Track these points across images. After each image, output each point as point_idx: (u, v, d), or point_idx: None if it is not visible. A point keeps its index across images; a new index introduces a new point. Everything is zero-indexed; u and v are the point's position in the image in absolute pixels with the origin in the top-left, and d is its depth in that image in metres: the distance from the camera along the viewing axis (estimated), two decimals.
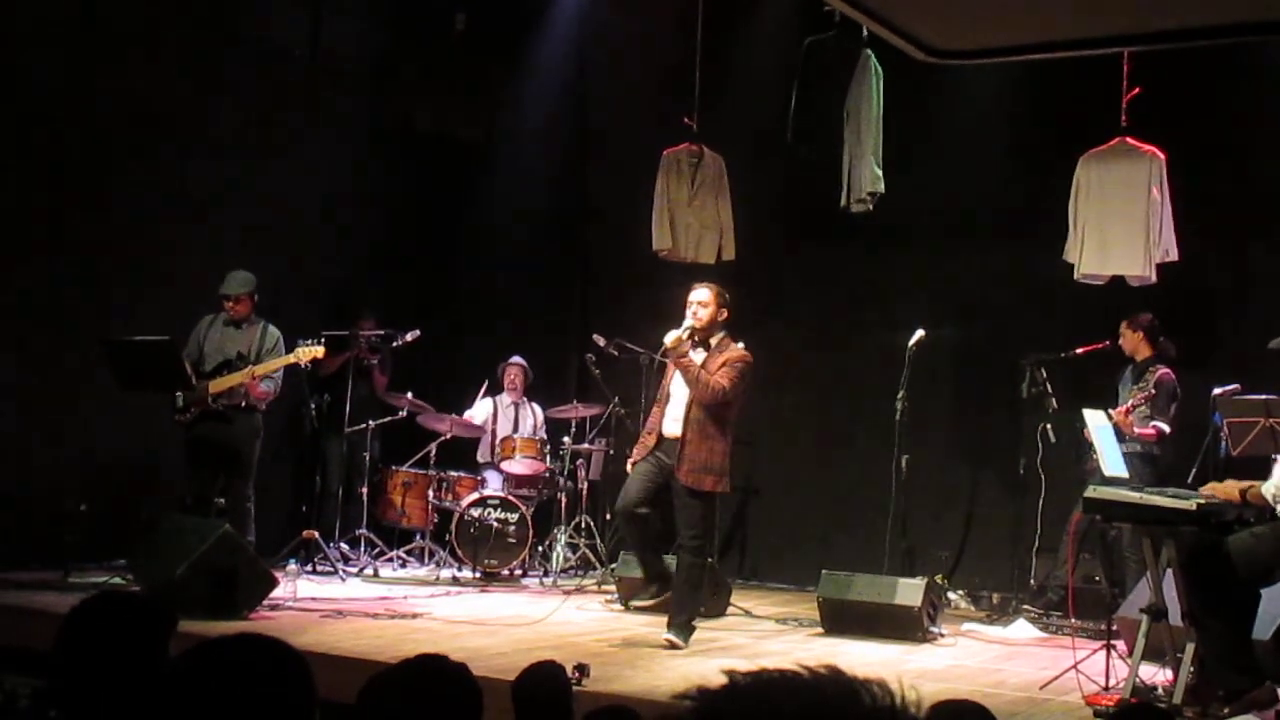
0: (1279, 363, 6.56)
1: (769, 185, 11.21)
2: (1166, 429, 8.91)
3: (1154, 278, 8.89)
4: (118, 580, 8.72)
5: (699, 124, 10.24)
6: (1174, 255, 8.85)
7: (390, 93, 12.09)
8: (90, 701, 2.95)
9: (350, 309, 11.31)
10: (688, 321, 7.94)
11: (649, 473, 8.01)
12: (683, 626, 7.87)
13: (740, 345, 8.07)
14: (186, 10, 10.62)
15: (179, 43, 10.57)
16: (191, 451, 9.33)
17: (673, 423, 7.99)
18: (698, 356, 7.94)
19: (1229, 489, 6.27)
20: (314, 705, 2.49)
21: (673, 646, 7.71)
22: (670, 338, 7.86)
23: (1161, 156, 8.87)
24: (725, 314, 8.08)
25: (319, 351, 9.50)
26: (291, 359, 9.39)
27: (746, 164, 10.77)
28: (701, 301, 8.01)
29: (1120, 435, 8.50)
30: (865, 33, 9.67)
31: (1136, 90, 8.77)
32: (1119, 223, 8.90)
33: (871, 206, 9.74)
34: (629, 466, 8.28)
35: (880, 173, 9.68)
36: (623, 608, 9.23)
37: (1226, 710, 6.18)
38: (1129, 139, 8.91)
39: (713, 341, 8.01)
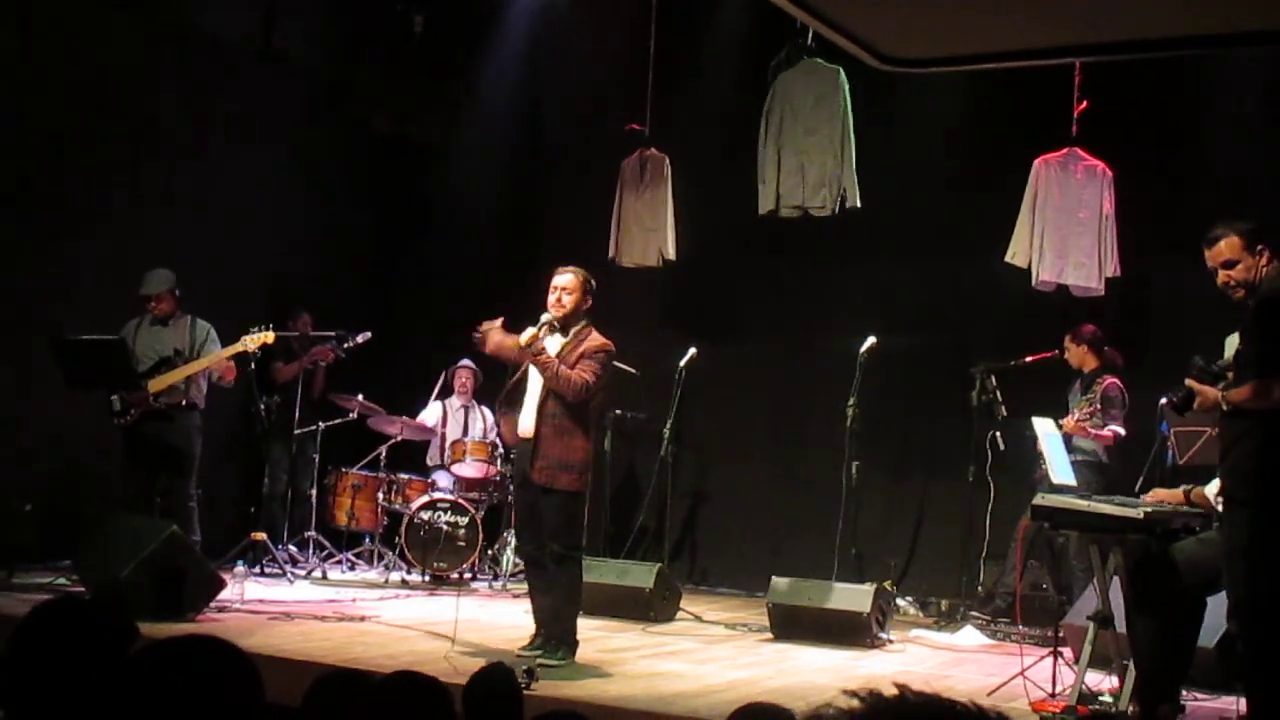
0: (1227, 371, 6.59)
1: (724, 192, 11.22)
2: (1121, 431, 8.98)
3: (1102, 290, 9.02)
4: (63, 581, 8.66)
5: (652, 129, 10.34)
6: (1118, 271, 9.03)
7: (347, 94, 12.00)
8: (41, 706, 2.90)
9: (285, 308, 11.12)
10: (546, 316, 7.31)
11: (525, 503, 7.51)
12: (563, 640, 7.23)
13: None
14: (137, 6, 10.53)
15: (129, 38, 10.49)
16: (132, 450, 9.25)
17: (528, 420, 7.34)
18: (555, 343, 7.31)
19: (1174, 494, 6.34)
20: (260, 707, 2.48)
21: (548, 667, 6.83)
22: (526, 335, 7.25)
23: (1110, 172, 8.96)
24: (589, 302, 7.43)
25: (269, 337, 9.43)
26: (240, 347, 9.32)
27: (702, 171, 10.80)
28: (565, 287, 7.35)
29: (1069, 444, 8.56)
30: (811, 41, 9.77)
31: (1085, 104, 8.84)
32: (1078, 234, 9.00)
33: (802, 214, 9.97)
34: None
35: (857, 189, 9.90)
36: None
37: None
38: (1079, 149, 8.98)
39: (572, 330, 7.36)
